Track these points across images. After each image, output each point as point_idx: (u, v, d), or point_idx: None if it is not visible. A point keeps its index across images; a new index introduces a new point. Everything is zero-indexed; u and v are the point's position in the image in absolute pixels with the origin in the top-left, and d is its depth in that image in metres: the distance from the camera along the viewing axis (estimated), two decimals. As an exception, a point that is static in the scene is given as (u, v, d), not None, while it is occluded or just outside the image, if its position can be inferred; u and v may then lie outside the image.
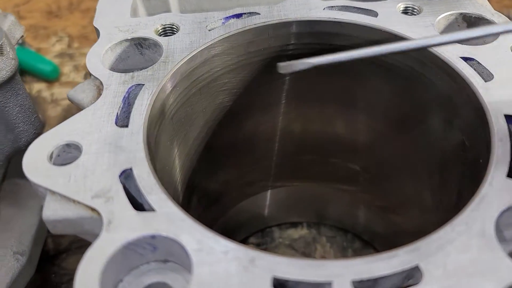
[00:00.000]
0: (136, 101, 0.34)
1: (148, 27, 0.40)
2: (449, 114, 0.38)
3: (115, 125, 0.33)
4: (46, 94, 0.73)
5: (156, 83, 0.35)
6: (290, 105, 0.45)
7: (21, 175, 0.50)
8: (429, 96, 0.39)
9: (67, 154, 0.32)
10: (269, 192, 0.53)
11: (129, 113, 0.33)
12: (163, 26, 0.40)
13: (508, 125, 0.31)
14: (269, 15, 0.40)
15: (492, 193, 0.27)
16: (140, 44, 0.39)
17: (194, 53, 0.37)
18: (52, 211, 0.29)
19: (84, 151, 0.31)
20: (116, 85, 0.35)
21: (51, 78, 0.75)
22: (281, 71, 0.33)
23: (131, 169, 0.30)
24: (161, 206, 0.28)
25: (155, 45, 0.39)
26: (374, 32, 0.39)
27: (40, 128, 0.46)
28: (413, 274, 0.25)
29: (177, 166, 0.41)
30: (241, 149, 0.47)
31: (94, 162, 0.30)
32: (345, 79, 0.42)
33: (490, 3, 0.41)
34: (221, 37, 0.39)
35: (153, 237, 0.27)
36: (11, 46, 0.40)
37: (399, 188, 0.46)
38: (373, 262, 0.25)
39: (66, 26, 0.85)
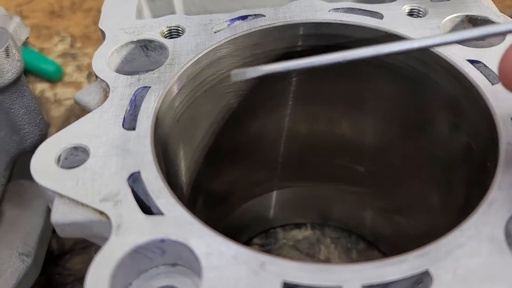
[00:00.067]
0: (143, 104, 0.34)
1: (154, 29, 0.40)
2: (455, 116, 0.38)
3: (122, 128, 0.33)
4: (49, 94, 0.73)
5: (162, 85, 0.35)
6: (296, 107, 0.45)
7: (26, 176, 0.50)
8: (436, 98, 0.39)
9: (75, 157, 0.32)
10: (274, 193, 0.53)
11: (136, 115, 0.33)
12: (168, 28, 0.40)
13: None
14: (274, 17, 0.40)
15: (501, 197, 0.27)
16: (145, 46, 0.39)
17: (200, 55, 0.37)
18: (61, 214, 0.29)
19: (92, 154, 0.31)
20: (122, 88, 0.35)
21: (54, 78, 0.75)
22: (234, 79, 0.33)
23: (139, 172, 0.30)
24: (170, 210, 0.28)
25: (161, 47, 0.39)
26: (379, 34, 0.39)
27: (45, 130, 0.46)
28: (422, 278, 0.25)
29: (183, 168, 0.41)
30: (247, 150, 0.47)
31: (102, 165, 0.30)
32: (351, 80, 0.42)
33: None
34: (227, 39, 0.39)
35: (162, 241, 0.27)
36: (17, 48, 0.40)
37: (404, 190, 0.46)
38: (383, 266, 0.25)
39: (68, 26, 0.85)
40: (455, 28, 0.40)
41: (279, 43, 0.41)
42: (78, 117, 0.70)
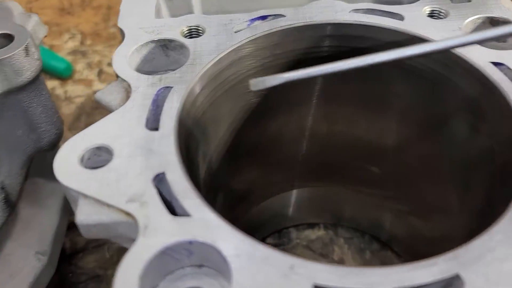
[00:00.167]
0: (165, 104, 0.34)
1: (174, 29, 0.40)
2: (476, 118, 0.38)
3: (145, 128, 0.32)
4: (59, 91, 0.73)
5: (184, 85, 0.35)
6: (315, 107, 0.45)
7: (40, 174, 0.51)
8: (456, 100, 0.39)
9: (98, 157, 0.32)
10: (290, 193, 0.53)
11: (159, 116, 0.33)
12: (188, 28, 0.40)
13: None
14: (294, 17, 0.40)
15: (529, 200, 0.27)
16: (165, 45, 0.39)
17: (221, 55, 0.37)
18: (86, 215, 0.29)
19: (116, 154, 0.31)
20: (144, 88, 0.35)
21: (64, 75, 0.75)
22: (253, 88, 0.33)
23: (163, 173, 0.30)
24: (197, 211, 0.28)
25: (181, 47, 0.39)
26: (401, 36, 0.39)
27: (61, 128, 0.46)
28: (452, 282, 0.25)
29: (202, 168, 0.40)
30: (266, 150, 0.47)
31: (126, 166, 0.30)
32: (371, 82, 0.42)
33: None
34: (247, 39, 0.38)
35: (190, 242, 0.27)
36: (36, 47, 0.40)
37: (421, 192, 0.46)
38: (413, 270, 0.25)
39: (78, 23, 0.84)
40: (477, 30, 0.40)
41: (299, 43, 0.40)
42: (88, 115, 0.71)
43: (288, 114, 0.45)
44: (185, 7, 0.46)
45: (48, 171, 0.50)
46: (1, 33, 0.39)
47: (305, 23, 0.39)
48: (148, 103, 0.34)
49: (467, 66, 0.36)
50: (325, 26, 0.40)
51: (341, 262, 0.53)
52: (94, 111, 0.70)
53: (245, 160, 0.46)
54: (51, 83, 0.75)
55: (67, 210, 0.52)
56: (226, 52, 0.37)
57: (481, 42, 0.36)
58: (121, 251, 0.59)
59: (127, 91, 0.36)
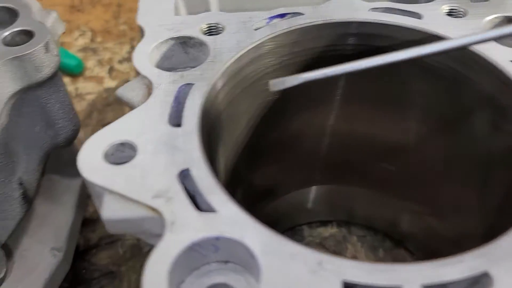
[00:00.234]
0: (187, 101, 0.34)
1: (193, 26, 0.40)
2: (496, 116, 0.38)
3: (168, 124, 0.33)
4: (70, 88, 0.73)
5: (205, 82, 0.35)
6: (334, 106, 0.45)
7: (56, 170, 0.51)
8: (476, 98, 0.39)
9: (121, 153, 0.32)
10: (306, 191, 0.53)
11: (181, 112, 0.33)
12: (208, 25, 0.40)
13: None
14: (313, 15, 0.40)
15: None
16: (185, 42, 0.39)
17: (242, 53, 0.37)
18: (112, 211, 0.29)
19: (140, 150, 0.31)
20: (166, 84, 0.35)
21: (75, 72, 0.75)
22: (273, 88, 0.33)
23: (188, 169, 0.30)
24: (223, 207, 0.28)
25: (200, 44, 0.39)
26: (420, 35, 0.39)
27: (78, 125, 0.46)
28: (479, 280, 0.25)
29: (221, 164, 0.41)
30: (285, 147, 0.47)
31: (150, 162, 0.30)
32: (391, 81, 0.42)
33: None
34: (267, 37, 0.39)
35: (217, 238, 0.27)
36: (55, 43, 0.40)
37: (438, 191, 0.46)
38: (441, 266, 0.25)
39: (88, 20, 0.85)
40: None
41: (318, 41, 0.41)
42: (100, 112, 0.71)
43: (308, 113, 0.46)
44: (202, 4, 0.46)
45: (63, 167, 0.51)
46: (22, 30, 0.39)
47: (324, 21, 0.40)
48: (170, 99, 0.34)
49: (487, 64, 0.36)
50: (344, 24, 0.40)
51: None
52: (105, 108, 0.70)
53: (264, 157, 0.46)
54: (62, 80, 0.74)
55: (82, 206, 0.52)
56: (246, 50, 0.38)
57: (498, 39, 0.36)
58: (134, 248, 0.59)
59: (149, 88, 0.36)
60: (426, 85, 0.41)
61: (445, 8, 0.41)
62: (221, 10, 0.47)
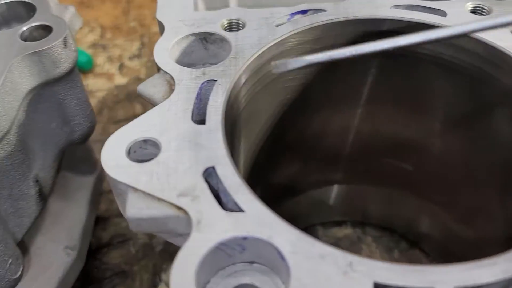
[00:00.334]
0: (210, 97, 0.33)
1: (214, 22, 0.39)
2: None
3: (191, 121, 0.32)
4: (80, 85, 0.73)
5: (228, 79, 0.35)
6: (355, 106, 0.45)
7: (69, 168, 0.50)
8: (498, 96, 0.38)
9: (143, 150, 0.32)
10: (325, 190, 0.53)
11: (204, 109, 0.33)
12: (229, 21, 0.39)
13: None
14: (335, 12, 0.40)
15: None
16: (205, 39, 0.39)
17: (264, 49, 0.37)
18: (137, 209, 0.28)
19: (164, 148, 0.30)
20: (188, 81, 0.35)
21: (85, 69, 0.74)
22: (275, 70, 0.33)
23: (213, 167, 0.29)
24: (250, 206, 0.27)
25: (221, 40, 0.38)
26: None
27: (94, 121, 0.46)
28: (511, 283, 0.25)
29: (242, 161, 0.40)
30: (304, 146, 0.47)
31: (175, 160, 0.30)
32: (412, 80, 0.42)
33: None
34: (289, 33, 0.38)
35: (244, 238, 0.26)
36: (73, 38, 0.40)
37: (458, 193, 0.45)
38: (474, 269, 0.25)
39: (98, 16, 0.84)
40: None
41: (340, 38, 0.40)
42: (110, 109, 0.70)
43: (329, 111, 0.45)
44: (221, 0, 0.46)
45: (77, 164, 0.51)
46: (40, 25, 0.39)
47: (348, 18, 0.39)
48: (192, 96, 0.34)
49: (509, 60, 0.36)
50: (367, 21, 0.39)
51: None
52: (116, 105, 0.70)
53: (283, 156, 0.46)
54: (72, 77, 0.74)
55: (95, 204, 0.52)
56: (268, 46, 0.37)
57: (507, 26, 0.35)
58: (147, 247, 0.59)
59: (170, 84, 0.35)
60: (448, 84, 0.41)
61: (470, 5, 0.40)
62: (240, 6, 0.47)
